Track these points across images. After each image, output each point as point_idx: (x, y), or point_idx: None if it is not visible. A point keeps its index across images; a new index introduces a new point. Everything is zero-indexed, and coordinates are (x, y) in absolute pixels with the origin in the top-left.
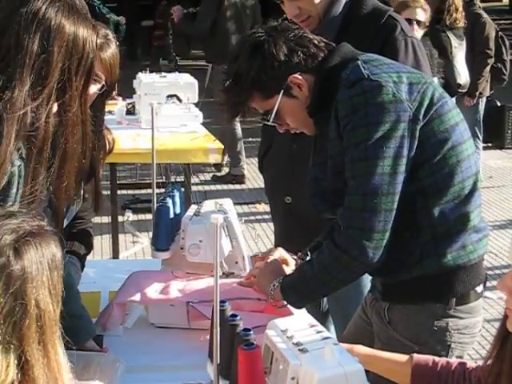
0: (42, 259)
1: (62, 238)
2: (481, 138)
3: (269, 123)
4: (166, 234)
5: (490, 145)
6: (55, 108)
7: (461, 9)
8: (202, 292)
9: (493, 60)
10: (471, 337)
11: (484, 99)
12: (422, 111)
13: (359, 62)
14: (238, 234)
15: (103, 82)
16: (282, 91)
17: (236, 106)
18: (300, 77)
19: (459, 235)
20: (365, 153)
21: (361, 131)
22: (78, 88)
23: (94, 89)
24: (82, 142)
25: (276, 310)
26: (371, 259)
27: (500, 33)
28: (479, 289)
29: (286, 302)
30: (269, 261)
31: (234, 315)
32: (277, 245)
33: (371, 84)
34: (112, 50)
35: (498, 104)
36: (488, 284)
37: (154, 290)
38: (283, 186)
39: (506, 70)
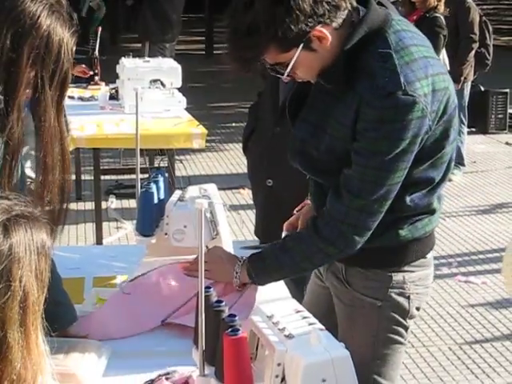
0: (31, 243)
1: (53, 229)
2: (465, 123)
3: (277, 75)
4: (150, 219)
5: (473, 130)
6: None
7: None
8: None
9: (477, 45)
10: (425, 287)
11: (469, 84)
12: (436, 121)
13: (392, 53)
14: (223, 219)
15: None
16: (302, 44)
17: (249, 60)
18: (324, 30)
19: (421, 216)
20: (380, 164)
21: (382, 143)
22: (53, 98)
23: None
24: (62, 154)
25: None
26: (355, 249)
27: (483, 18)
28: (429, 255)
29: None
30: (209, 249)
31: (218, 301)
32: (257, 227)
33: (406, 100)
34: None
35: (482, 89)
36: (472, 269)
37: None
38: (265, 169)
39: (490, 55)
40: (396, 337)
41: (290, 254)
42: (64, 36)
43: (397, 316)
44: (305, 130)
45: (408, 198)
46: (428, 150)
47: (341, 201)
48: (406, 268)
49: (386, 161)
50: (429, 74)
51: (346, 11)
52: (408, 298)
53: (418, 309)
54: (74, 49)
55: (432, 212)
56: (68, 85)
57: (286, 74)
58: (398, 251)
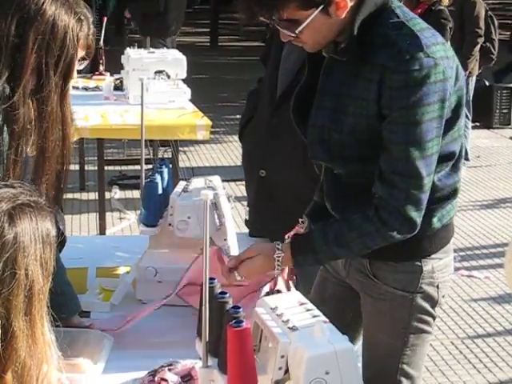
0: (36, 231)
1: (57, 218)
2: (470, 118)
3: (284, 30)
4: (154, 209)
5: (477, 124)
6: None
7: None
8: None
9: (483, 39)
10: (449, 274)
11: (474, 78)
12: (452, 87)
13: (405, 22)
14: (227, 211)
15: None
16: (322, 6)
17: (268, 7)
18: None
19: (448, 201)
20: (419, 136)
21: (414, 112)
22: (57, 84)
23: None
24: (63, 142)
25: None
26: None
27: (489, 12)
28: (451, 240)
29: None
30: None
31: (223, 292)
32: (249, 217)
33: (428, 61)
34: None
35: (487, 84)
36: (475, 263)
37: None
38: (259, 159)
39: (495, 50)
40: (425, 326)
41: (349, 247)
42: (69, 22)
43: (427, 306)
44: (322, 117)
45: (436, 178)
46: (447, 121)
47: (397, 187)
48: (434, 256)
49: (423, 130)
50: (439, 42)
51: None
52: (437, 286)
53: (443, 296)
54: (81, 35)
55: (455, 195)
56: (73, 71)
57: (296, 32)
58: (429, 240)
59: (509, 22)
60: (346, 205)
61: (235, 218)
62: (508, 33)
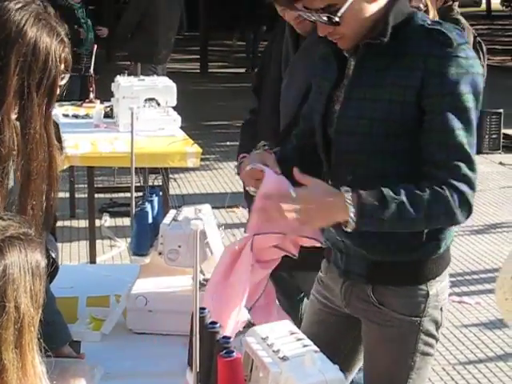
0: (26, 264)
1: (47, 249)
2: None
3: (322, 21)
4: (144, 239)
5: None
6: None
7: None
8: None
9: None
10: (448, 295)
11: None
12: None
13: (446, 25)
14: (217, 240)
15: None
16: None
17: None
18: None
19: None
20: (470, 122)
21: (466, 98)
22: (40, 106)
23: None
24: (49, 164)
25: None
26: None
27: (477, 38)
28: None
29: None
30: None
31: (213, 322)
32: None
33: (472, 53)
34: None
35: None
36: (466, 289)
37: None
38: None
39: (484, 75)
40: (430, 349)
41: (417, 209)
42: (51, 43)
43: (432, 329)
44: (352, 107)
45: None
46: None
47: (469, 172)
48: (437, 279)
49: (472, 117)
50: None
51: None
52: (441, 309)
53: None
54: (63, 55)
55: None
56: (56, 92)
57: (337, 18)
58: (435, 263)
59: (497, 47)
60: None
61: (229, 238)
62: (497, 58)
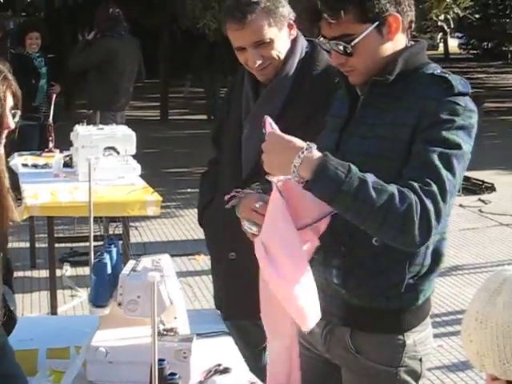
0: None
1: (6, 298)
2: None
3: (336, 50)
4: (103, 290)
5: None
6: None
7: None
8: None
9: None
10: (430, 346)
11: None
12: None
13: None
14: (176, 290)
15: None
16: (378, 22)
17: (335, 5)
18: (399, 17)
19: (434, 274)
20: (453, 162)
21: (456, 140)
22: None
23: None
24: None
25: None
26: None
27: None
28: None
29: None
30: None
31: (172, 374)
32: (219, 300)
33: (472, 105)
34: None
35: None
36: None
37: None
38: (227, 242)
39: None
40: None
41: (378, 196)
42: None
43: (410, 380)
44: (353, 143)
45: (430, 248)
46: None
47: (438, 196)
48: (414, 330)
49: (458, 159)
50: None
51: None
52: (420, 360)
53: (427, 369)
54: (8, 92)
55: (440, 264)
56: (3, 132)
57: (350, 48)
58: (413, 314)
59: None
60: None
61: (187, 293)
62: None
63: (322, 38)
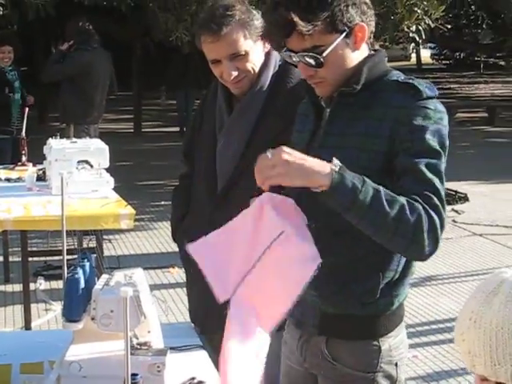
0: None
1: None
2: None
3: (307, 62)
4: (76, 304)
5: None
6: None
7: None
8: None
9: None
10: (405, 350)
11: None
12: None
13: (420, 80)
14: (149, 305)
15: None
16: (346, 32)
17: (309, 16)
18: (365, 29)
19: (407, 279)
20: (439, 167)
21: (435, 145)
22: None
23: None
24: None
25: None
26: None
27: None
28: None
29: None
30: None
31: None
32: (195, 315)
33: (442, 107)
34: None
35: None
36: None
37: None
38: None
39: None
40: None
41: (391, 207)
42: None
43: None
44: (325, 154)
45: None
46: None
47: (440, 206)
48: (389, 334)
49: (441, 162)
50: None
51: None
52: (396, 364)
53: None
54: None
55: (412, 271)
56: None
57: (321, 59)
58: (388, 319)
59: None
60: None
61: (161, 306)
62: None
63: (287, 52)
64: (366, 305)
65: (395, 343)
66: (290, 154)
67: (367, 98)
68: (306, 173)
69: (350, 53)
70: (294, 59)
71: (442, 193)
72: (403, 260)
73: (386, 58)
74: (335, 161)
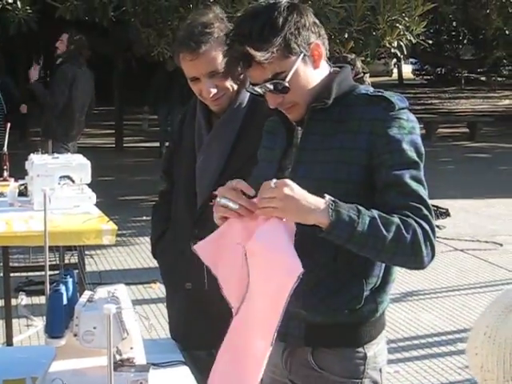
0: None
1: None
2: None
3: (273, 92)
4: (59, 321)
5: None
6: None
7: None
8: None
9: None
10: (385, 358)
11: None
12: None
13: (388, 92)
14: (132, 320)
15: None
16: (303, 54)
17: (263, 45)
18: (322, 47)
19: (389, 285)
20: (419, 175)
21: (412, 154)
22: None
23: None
24: None
25: None
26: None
27: None
28: None
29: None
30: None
31: None
32: (176, 330)
33: (413, 117)
34: None
35: None
36: None
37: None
38: (182, 272)
39: None
40: None
41: (388, 230)
42: None
43: None
44: (304, 170)
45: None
46: None
47: (428, 215)
48: (375, 341)
49: (420, 169)
50: None
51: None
52: (380, 370)
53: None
54: None
55: (392, 277)
56: None
57: (287, 79)
58: (373, 326)
59: None
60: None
61: (143, 321)
62: None
63: (251, 87)
64: (353, 312)
65: (379, 350)
66: (291, 189)
67: (339, 113)
68: (303, 211)
69: (312, 71)
70: (260, 90)
71: (428, 200)
72: (383, 266)
73: (352, 74)
74: (327, 197)
